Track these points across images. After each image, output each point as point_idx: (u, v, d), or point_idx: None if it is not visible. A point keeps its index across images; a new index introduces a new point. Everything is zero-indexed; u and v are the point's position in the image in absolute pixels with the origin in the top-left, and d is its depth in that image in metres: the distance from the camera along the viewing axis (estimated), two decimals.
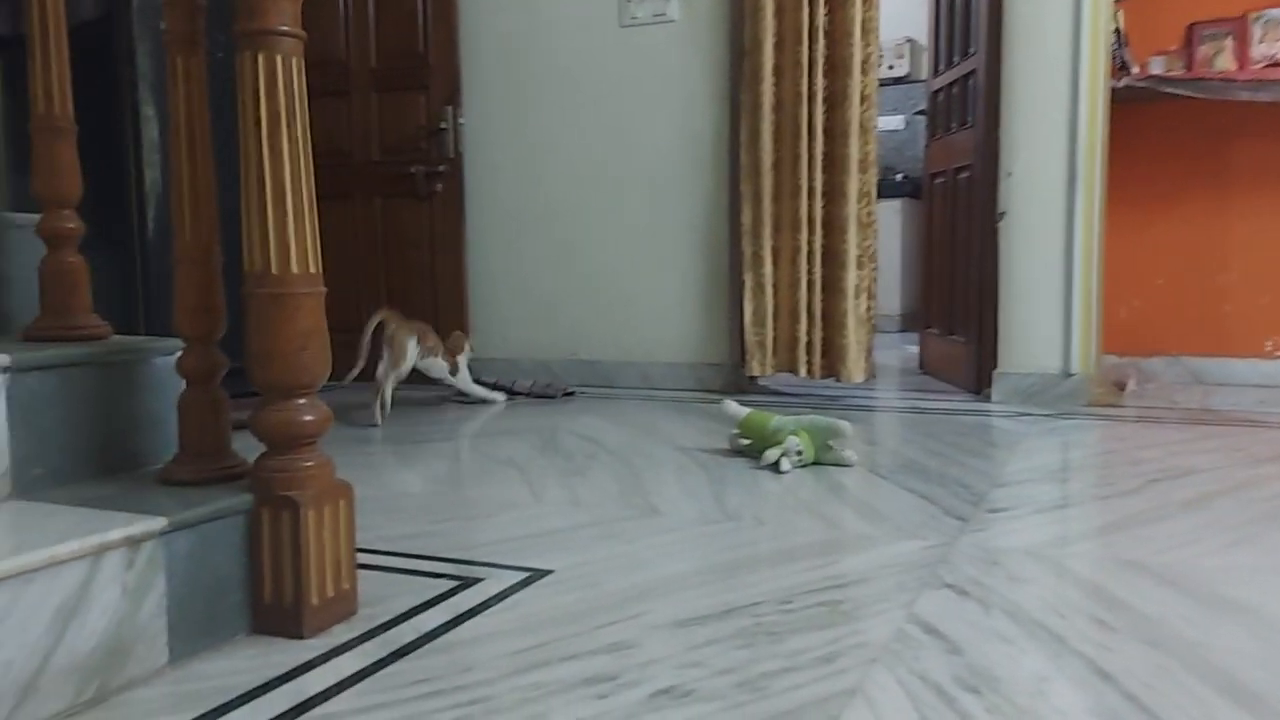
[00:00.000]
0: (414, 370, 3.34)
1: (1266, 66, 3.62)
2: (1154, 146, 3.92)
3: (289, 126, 1.37)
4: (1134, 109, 3.83)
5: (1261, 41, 3.68)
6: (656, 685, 1.20)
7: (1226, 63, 3.69)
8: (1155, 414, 3.17)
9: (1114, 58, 3.55)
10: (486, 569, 1.67)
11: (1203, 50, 3.76)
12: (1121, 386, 3.55)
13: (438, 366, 3.45)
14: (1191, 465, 2.39)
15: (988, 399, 3.43)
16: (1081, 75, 3.24)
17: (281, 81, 1.36)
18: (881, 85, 7.05)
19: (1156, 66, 3.68)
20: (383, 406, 3.20)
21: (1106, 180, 3.34)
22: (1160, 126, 3.90)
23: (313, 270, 1.40)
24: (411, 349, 3.29)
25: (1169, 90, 3.61)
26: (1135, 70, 3.69)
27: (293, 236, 1.37)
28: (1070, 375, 3.32)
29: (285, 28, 1.35)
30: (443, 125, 4.11)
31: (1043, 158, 3.31)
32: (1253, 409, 3.26)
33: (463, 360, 3.54)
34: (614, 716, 1.13)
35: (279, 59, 1.35)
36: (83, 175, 1.66)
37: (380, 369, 3.21)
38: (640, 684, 1.21)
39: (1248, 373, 3.88)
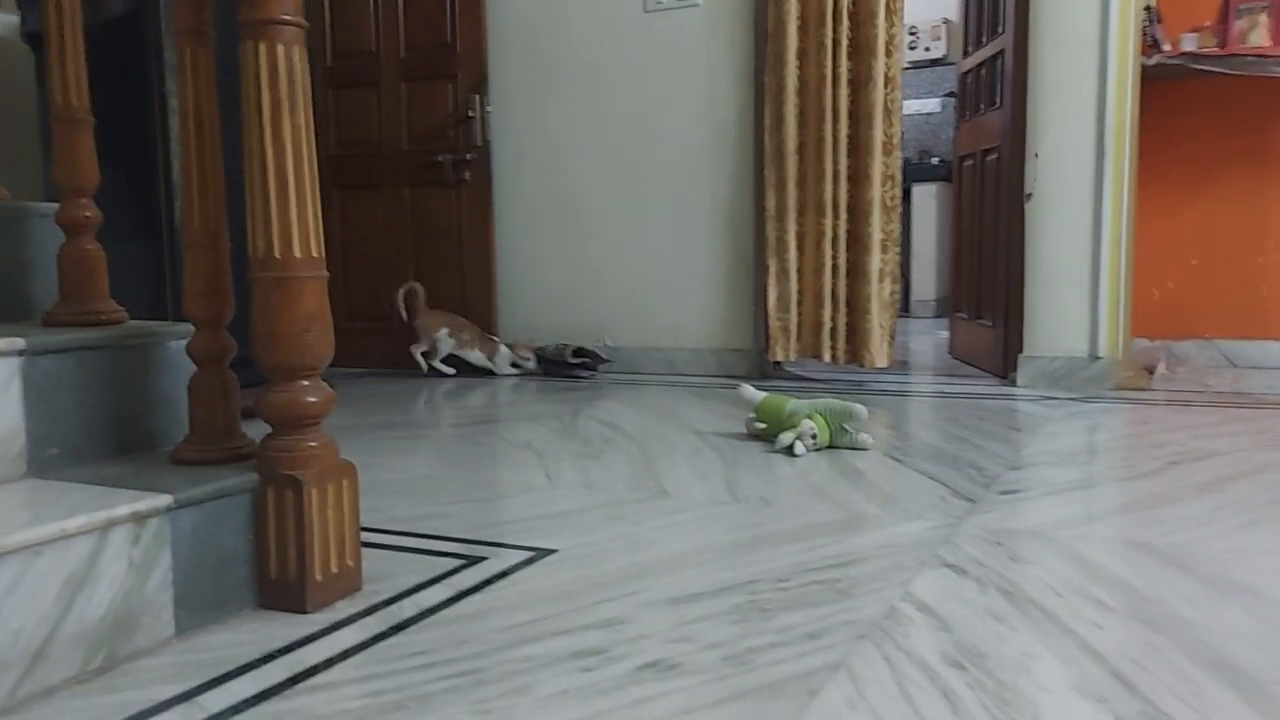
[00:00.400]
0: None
1: None
2: (1188, 125, 3.84)
3: (291, 114, 1.40)
4: (1167, 87, 3.76)
5: None
6: (644, 659, 1.22)
7: (1261, 38, 3.59)
8: (1184, 397, 3.12)
9: (1145, 35, 3.48)
10: (492, 549, 1.70)
11: (1238, 26, 3.67)
12: (1150, 370, 3.49)
13: (474, 356, 3.99)
14: (1214, 448, 2.35)
15: (1014, 383, 3.39)
16: (1110, 53, 3.18)
17: (283, 70, 1.39)
18: (917, 67, 7.02)
19: (1189, 43, 3.60)
20: (424, 365, 4.01)
21: (1137, 160, 3.28)
22: (1194, 105, 3.82)
23: (315, 254, 1.43)
24: (442, 338, 3.95)
25: (1202, 68, 3.53)
26: (1167, 48, 3.61)
27: (295, 221, 1.40)
28: (1097, 358, 3.28)
29: (287, 17, 1.38)
30: (470, 114, 4.15)
31: (1070, 138, 3.26)
32: None
33: (502, 353, 3.99)
34: (599, 688, 1.15)
35: (280, 48, 1.38)
36: (114, 166, 1.72)
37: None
38: (628, 658, 1.23)
39: None
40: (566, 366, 3.88)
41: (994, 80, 3.64)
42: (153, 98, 2.78)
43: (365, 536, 1.62)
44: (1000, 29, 3.56)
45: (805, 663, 1.20)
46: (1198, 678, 1.14)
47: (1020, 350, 3.40)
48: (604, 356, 3.95)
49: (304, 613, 1.39)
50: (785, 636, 1.28)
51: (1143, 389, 3.24)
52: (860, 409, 2.41)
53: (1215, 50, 3.62)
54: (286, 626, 1.35)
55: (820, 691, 1.12)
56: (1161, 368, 3.60)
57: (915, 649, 1.23)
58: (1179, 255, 3.92)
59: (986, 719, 1.05)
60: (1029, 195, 3.34)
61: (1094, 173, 3.24)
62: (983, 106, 3.81)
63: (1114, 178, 3.21)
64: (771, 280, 3.66)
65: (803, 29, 3.58)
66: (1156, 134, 3.72)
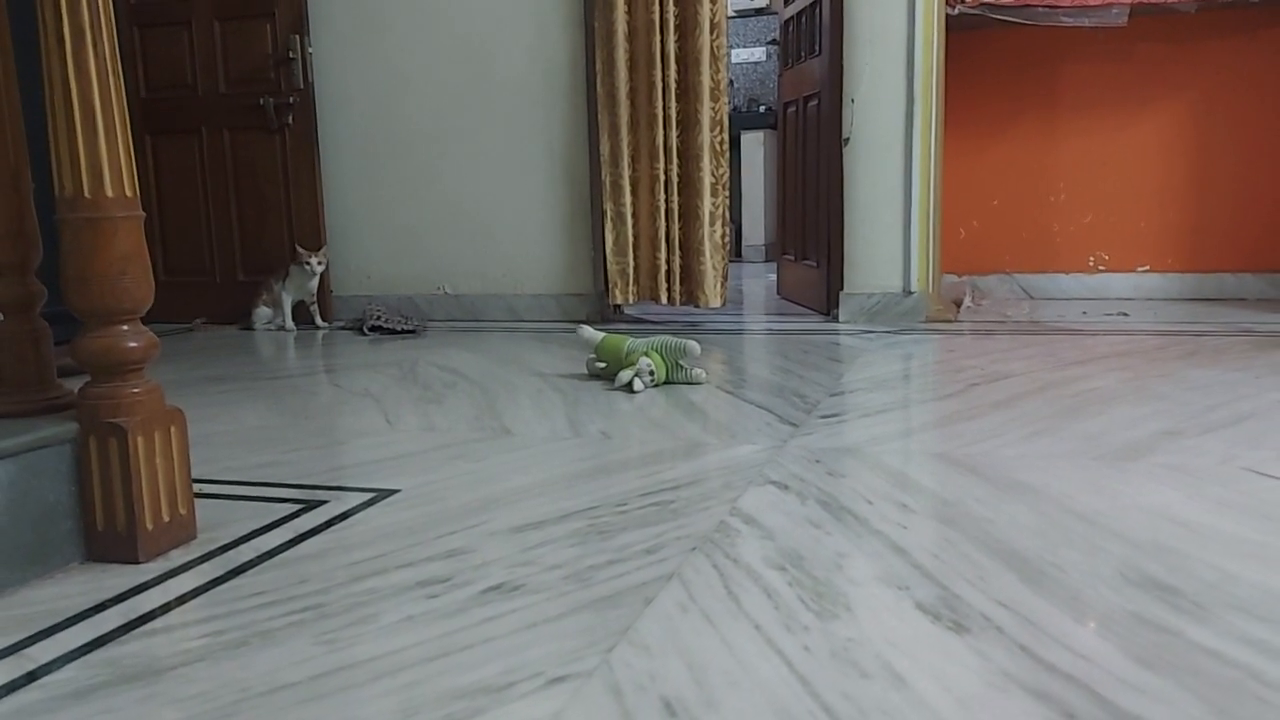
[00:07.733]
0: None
1: None
2: (989, 72, 4.11)
3: (95, 43, 1.33)
4: (970, 36, 4.01)
5: None
6: (488, 583, 1.27)
7: None
8: (987, 327, 3.40)
9: None
10: (332, 492, 1.70)
11: None
12: (957, 303, 3.77)
13: (276, 296, 3.95)
14: (1009, 371, 2.58)
15: (836, 319, 3.59)
16: (918, 2, 3.36)
17: None
18: (743, 16, 7.16)
19: None
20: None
21: (944, 105, 3.50)
22: (994, 53, 4.09)
23: (129, 193, 1.37)
24: (261, 316, 3.96)
25: (998, 17, 3.78)
26: None
27: (105, 158, 1.33)
28: (910, 294, 3.51)
29: None
30: (291, 55, 3.98)
31: (883, 84, 3.45)
32: (1074, 320, 3.53)
33: (291, 275, 3.90)
34: (444, 612, 1.19)
35: None
36: None
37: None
38: (472, 583, 1.27)
39: (1074, 287, 4.17)
40: (393, 333, 3.70)
41: (814, 28, 3.78)
42: None
43: (198, 488, 1.58)
44: None
45: (641, 575, 1.27)
46: (985, 564, 1.28)
47: (841, 288, 3.60)
48: (408, 327, 3.68)
49: (136, 563, 1.36)
50: (623, 554, 1.35)
51: (950, 320, 3.50)
52: (694, 345, 2.51)
53: (1011, 1, 3.88)
54: (118, 577, 1.32)
55: (655, 599, 1.20)
56: (967, 301, 3.89)
57: (741, 556, 1.33)
58: (982, 196, 4.22)
59: (803, 610, 1.15)
60: (847, 139, 3.51)
61: (905, 118, 3.44)
62: (804, 54, 3.95)
63: (923, 123, 3.42)
64: (608, 225, 3.71)
65: None
66: (961, 81, 3.97)
